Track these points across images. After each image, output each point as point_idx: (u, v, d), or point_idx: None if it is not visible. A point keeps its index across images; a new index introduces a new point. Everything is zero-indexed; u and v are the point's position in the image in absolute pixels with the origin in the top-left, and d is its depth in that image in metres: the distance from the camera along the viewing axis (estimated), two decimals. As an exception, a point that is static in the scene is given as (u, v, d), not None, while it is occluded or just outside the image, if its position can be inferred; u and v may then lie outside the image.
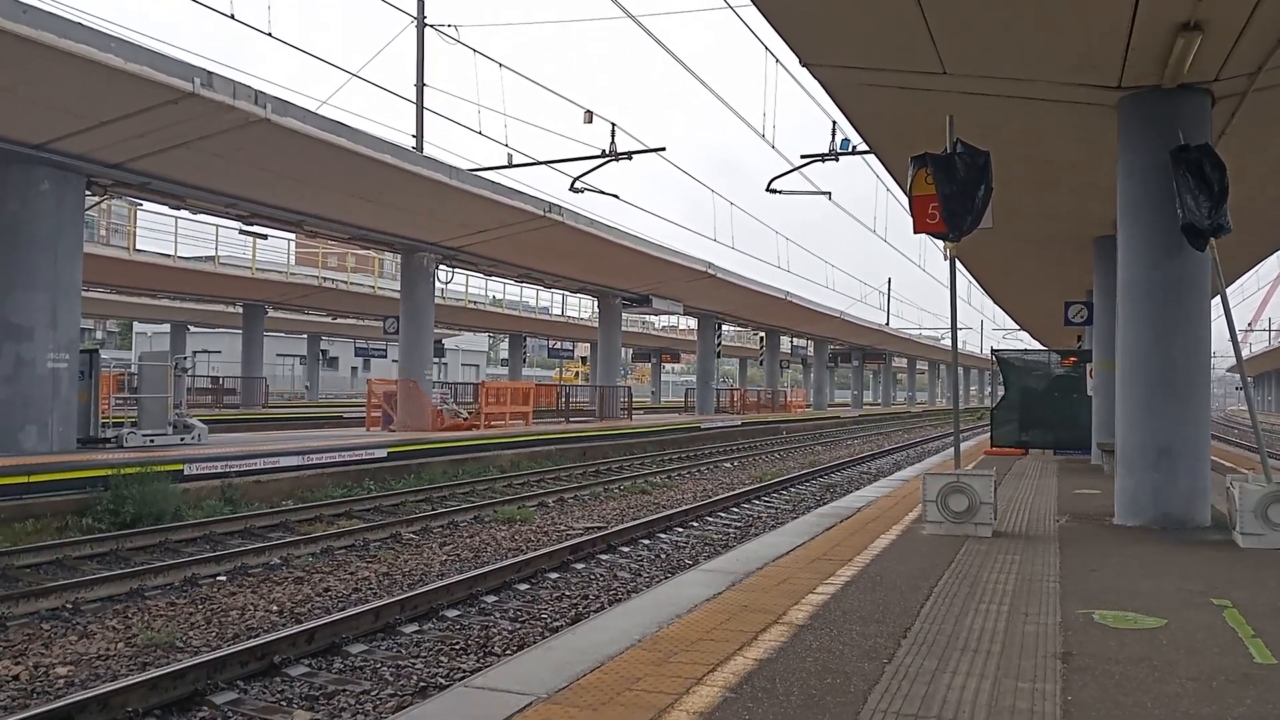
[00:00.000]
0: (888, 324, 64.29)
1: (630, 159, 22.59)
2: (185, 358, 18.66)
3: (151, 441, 16.00)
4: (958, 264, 8.65)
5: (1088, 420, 16.89)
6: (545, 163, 23.63)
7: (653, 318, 55.85)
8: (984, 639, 4.76)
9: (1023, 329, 45.47)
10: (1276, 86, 8.42)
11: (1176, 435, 8.57)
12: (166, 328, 48.66)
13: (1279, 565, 6.80)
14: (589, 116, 21.80)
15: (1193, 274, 8.56)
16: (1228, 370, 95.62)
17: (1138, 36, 7.50)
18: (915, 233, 8.46)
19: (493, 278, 32.32)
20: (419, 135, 23.21)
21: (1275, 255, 19.83)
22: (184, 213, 20.14)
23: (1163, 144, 8.22)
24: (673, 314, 41.23)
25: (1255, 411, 9.43)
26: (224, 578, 9.83)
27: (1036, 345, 42.42)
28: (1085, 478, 13.77)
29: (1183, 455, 8.56)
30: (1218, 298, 8.97)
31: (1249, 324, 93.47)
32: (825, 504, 12.87)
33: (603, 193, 25.16)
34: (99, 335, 69.12)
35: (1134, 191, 8.84)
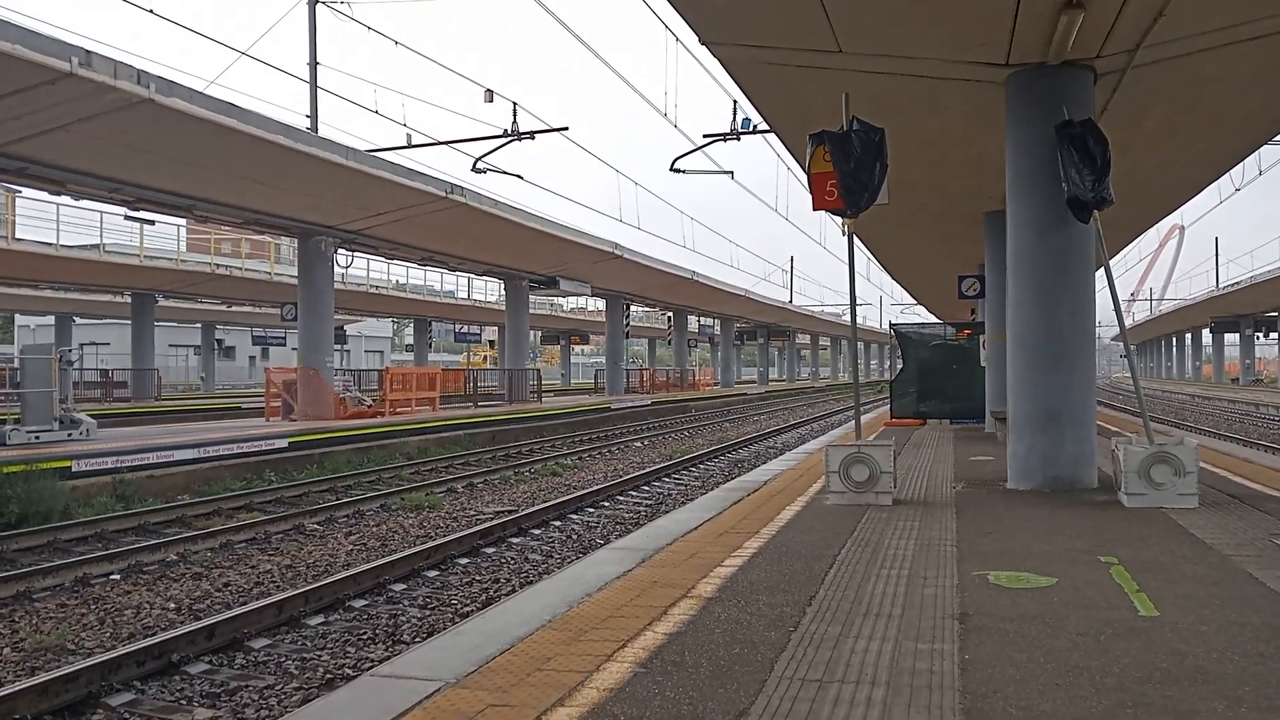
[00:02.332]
0: (791, 301, 65.44)
1: (533, 138, 22.44)
2: (70, 350, 17.87)
3: (36, 438, 15.30)
4: (856, 240, 8.81)
5: (982, 390, 17.46)
6: (446, 143, 23.31)
7: (560, 299, 55.54)
8: (885, 603, 4.88)
9: (920, 303, 46.69)
10: (1154, 63, 8.78)
11: (1064, 401, 8.91)
12: (50, 319, 46.53)
13: (1161, 523, 7.13)
14: (489, 96, 21.55)
15: (1078, 245, 8.87)
16: (1112, 339, 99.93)
17: (1023, 15, 7.72)
18: (815, 210, 8.59)
19: (395, 261, 31.70)
20: (313, 115, 22.60)
21: (1155, 228, 20.75)
22: (65, 199, 19.20)
23: (1048, 119, 8.49)
24: (580, 295, 41.14)
25: (1138, 377, 9.85)
26: (117, 576, 9.47)
27: (933, 319, 43.62)
28: (980, 445, 14.24)
29: (1070, 420, 8.90)
30: (1102, 269, 9.33)
31: (1131, 294, 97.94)
32: (733, 479, 13.03)
33: (506, 173, 24.94)
34: (-24, 329, 65.69)
35: (1021, 166, 9.12)
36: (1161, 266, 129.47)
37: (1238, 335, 64.09)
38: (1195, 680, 3.66)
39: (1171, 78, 9.49)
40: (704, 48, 8.79)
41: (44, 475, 12.47)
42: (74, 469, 13.38)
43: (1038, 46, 8.38)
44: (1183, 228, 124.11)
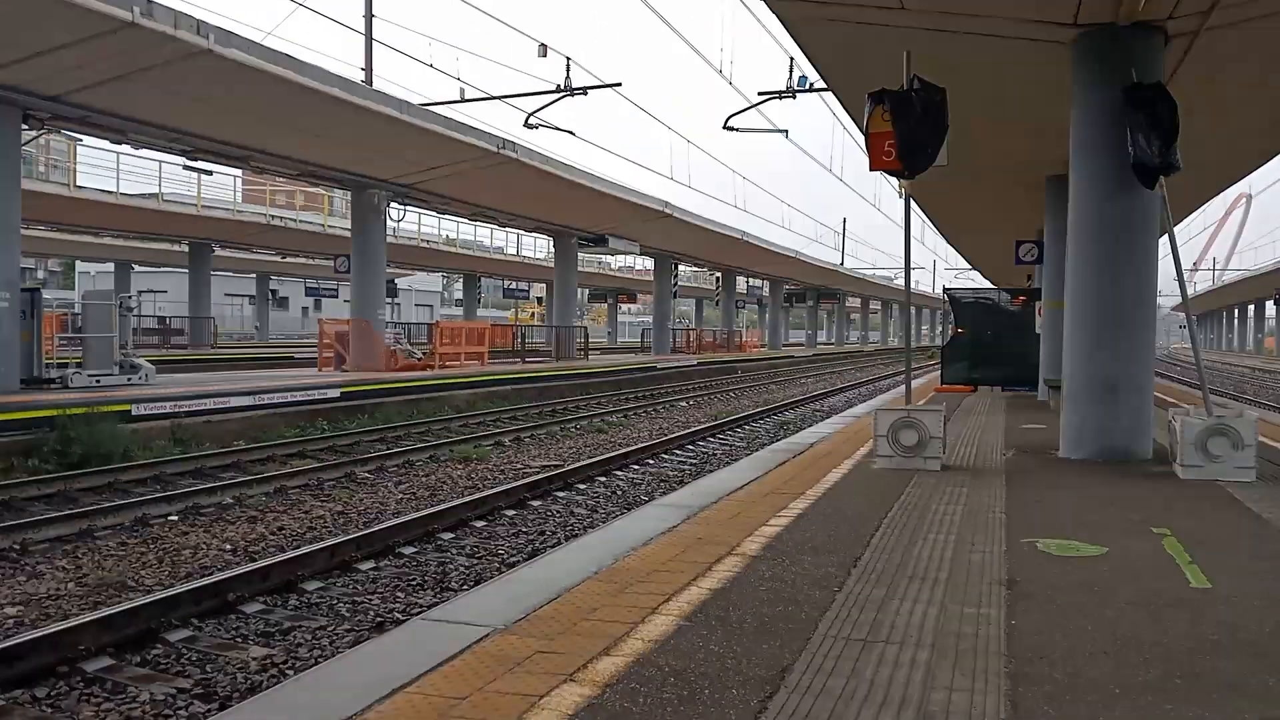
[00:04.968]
0: (842, 264, 64.72)
1: (586, 94, 22.36)
2: (130, 296, 18.27)
3: (97, 382, 15.71)
4: (912, 203, 8.67)
5: (1036, 358, 17.19)
6: (499, 97, 23.28)
7: (609, 258, 55.48)
8: (931, 568, 4.87)
9: (975, 268, 45.96)
10: (1228, 25, 8.48)
11: (1121, 370, 8.75)
12: (110, 267, 47.56)
13: (1216, 495, 7.02)
14: (543, 50, 21.47)
15: (1142, 212, 8.66)
16: (1172, 309, 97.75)
17: (1094, -28, 7.49)
18: (871, 170, 8.46)
19: (446, 216, 31.91)
20: (368, 68, 22.72)
21: (1220, 196, 20.17)
22: (126, 148, 19.56)
23: (1116, 82, 8.26)
24: (629, 254, 41.08)
25: (1198, 348, 9.64)
26: (175, 517, 9.73)
27: (988, 284, 42.92)
28: (1032, 413, 14.06)
29: (1127, 390, 8.75)
30: (1165, 237, 9.11)
31: (1194, 264, 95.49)
32: (779, 440, 13.02)
33: (558, 129, 24.88)
34: (40, 275, 67.39)
35: (1087, 129, 8.89)
36: (1226, 236, 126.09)
37: (1303, 309, 62.34)
38: (1246, 653, 3.62)
39: (1245, 41, 9.17)
40: (762, 2, 8.66)
41: (105, 418, 12.80)
42: (134, 413, 13.73)
43: (1107, 6, 8.13)
44: (1250, 196, 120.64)
